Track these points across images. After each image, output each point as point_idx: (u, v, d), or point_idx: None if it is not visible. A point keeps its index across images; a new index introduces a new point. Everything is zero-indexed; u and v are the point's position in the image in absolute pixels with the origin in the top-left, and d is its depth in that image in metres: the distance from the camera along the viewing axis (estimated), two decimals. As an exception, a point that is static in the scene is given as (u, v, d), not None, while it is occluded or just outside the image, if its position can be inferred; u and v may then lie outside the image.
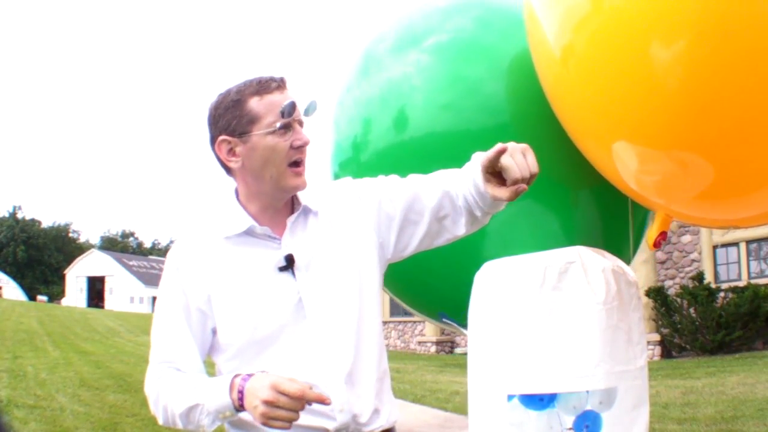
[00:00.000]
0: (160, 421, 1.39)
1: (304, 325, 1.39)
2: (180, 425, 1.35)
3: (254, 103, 1.39)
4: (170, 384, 1.37)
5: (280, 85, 1.42)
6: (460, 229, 1.54)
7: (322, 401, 1.21)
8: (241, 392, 1.25)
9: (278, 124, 1.38)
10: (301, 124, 1.43)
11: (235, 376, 1.28)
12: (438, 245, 1.59)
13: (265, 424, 1.20)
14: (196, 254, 1.44)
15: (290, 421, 1.20)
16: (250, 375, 1.26)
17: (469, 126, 2.44)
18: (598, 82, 2.04)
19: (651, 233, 2.54)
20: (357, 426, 1.40)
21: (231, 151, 1.42)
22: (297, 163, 1.42)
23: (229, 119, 1.40)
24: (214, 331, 1.43)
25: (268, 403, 1.19)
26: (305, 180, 1.44)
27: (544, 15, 2.15)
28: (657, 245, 2.52)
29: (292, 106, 1.38)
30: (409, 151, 2.51)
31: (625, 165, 2.21)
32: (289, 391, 1.18)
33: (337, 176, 2.74)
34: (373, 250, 1.52)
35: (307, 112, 1.44)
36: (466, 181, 1.50)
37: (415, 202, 1.53)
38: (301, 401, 1.19)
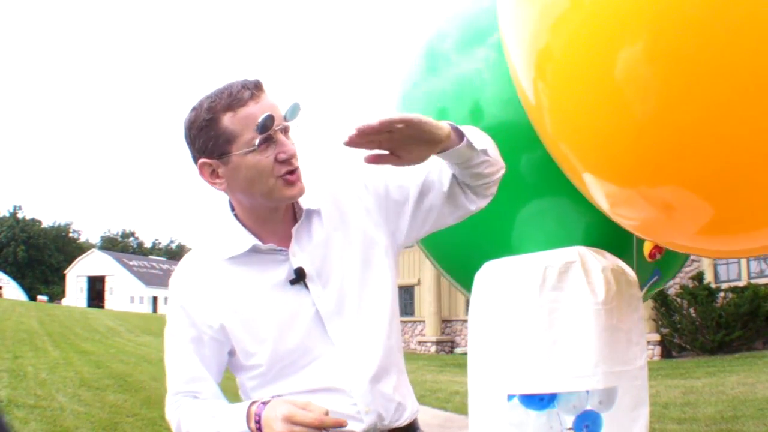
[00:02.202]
0: None
1: (325, 337, 1.37)
2: None
3: (228, 121, 1.26)
4: (190, 412, 1.35)
5: (254, 93, 1.27)
6: (471, 204, 1.49)
7: (340, 425, 1.17)
8: (258, 422, 1.22)
9: (256, 142, 1.25)
10: (286, 130, 1.31)
11: (252, 403, 1.26)
12: (449, 224, 1.53)
13: None
14: (200, 282, 1.39)
15: None
16: (265, 403, 1.23)
17: None
18: (562, 101, 1.89)
19: (647, 245, 2.54)
20: (384, 424, 1.39)
21: (214, 174, 1.32)
22: (288, 173, 1.30)
23: (205, 141, 1.29)
24: (231, 352, 1.40)
25: None
26: (302, 186, 1.33)
27: (513, 26, 2.06)
28: (652, 257, 2.52)
29: (269, 119, 1.25)
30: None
31: (600, 204, 2.06)
32: (304, 422, 1.15)
33: None
34: (384, 240, 1.47)
35: (289, 117, 1.31)
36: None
37: (426, 185, 1.48)
38: (318, 430, 1.16)
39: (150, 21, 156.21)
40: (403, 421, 1.43)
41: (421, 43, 2.98)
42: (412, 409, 1.46)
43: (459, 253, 2.83)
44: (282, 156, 1.28)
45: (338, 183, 1.50)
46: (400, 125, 1.22)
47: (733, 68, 1.49)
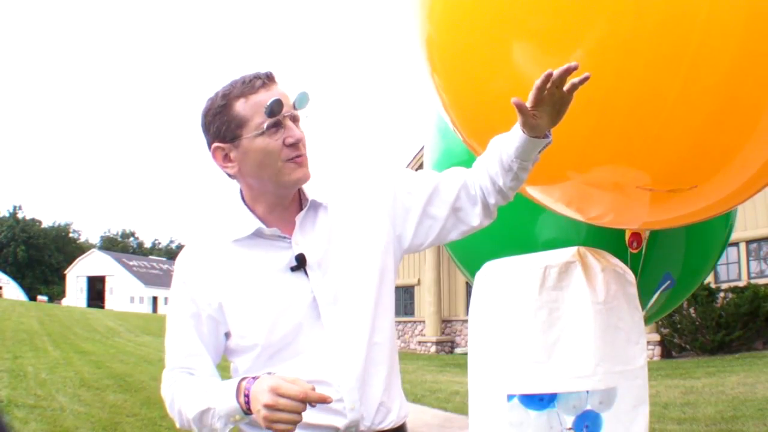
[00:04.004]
0: (177, 425, 1.39)
1: (319, 325, 1.39)
2: (195, 429, 1.35)
3: (240, 106, 1.35)
4: (183, 388, 1.38)
5: (265, 82, 1.36)
6: (474, 219, 1.53)
7: (324, 401, 1.20)
8: (247, 396, 1.24)
9: (265, 125, 1.34)
10: (295, 118, 1.38)
11: (242, 379, 1.28)
12: (452, 239, 1.57)
13: (268, 427, 1.19)
14: (204, 261, 1.43)
15: (293, 423, 1.18)
16: (255, 378, 1.25)
17: None
18: (456, 90, 1.86)
19: (626, 235, 2.55)
20: (368, 423, 1.40)
21: (226, 157, 1.40)
22: (295, 158, 1.37)
23: (219, 125, 1.37)
24: (227, 335, 1.43)
25: (269, 407, 1.17)
26: (307, 171, 1.39)
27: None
28: (630, 245, 2.53)
29: (277, 104, 1.33)
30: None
31: (567, 215, 2.08)
32: (289, 394, 1.17)
33: None
34: (388, 242, 1.50)
35: (298, 105, 1.38)
36: (481, 167, 1.51)
37: (434, 195, 1.51)
38: (302, 403, 1.18)
39: (150, 21, 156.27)
40: (386, 425, 1.44)
41: None
42: (398, 414, 1.47)
43: (476, 248, 2.86)
44: (289, 140, 1.36)
45: (350, 181, 1.55)
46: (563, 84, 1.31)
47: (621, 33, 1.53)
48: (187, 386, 1.38)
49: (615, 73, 1.61)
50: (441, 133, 3.05)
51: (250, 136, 1.35)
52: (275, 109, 1.33)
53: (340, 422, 1.37)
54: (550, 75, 1.29)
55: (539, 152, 1.44)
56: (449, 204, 1.51)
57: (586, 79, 1.29)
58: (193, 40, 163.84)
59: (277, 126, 1.35)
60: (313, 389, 1.19)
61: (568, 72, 1.29)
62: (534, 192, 2.07)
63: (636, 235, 2.52)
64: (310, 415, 1.31)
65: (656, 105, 1.65)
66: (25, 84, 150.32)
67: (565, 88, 1.31)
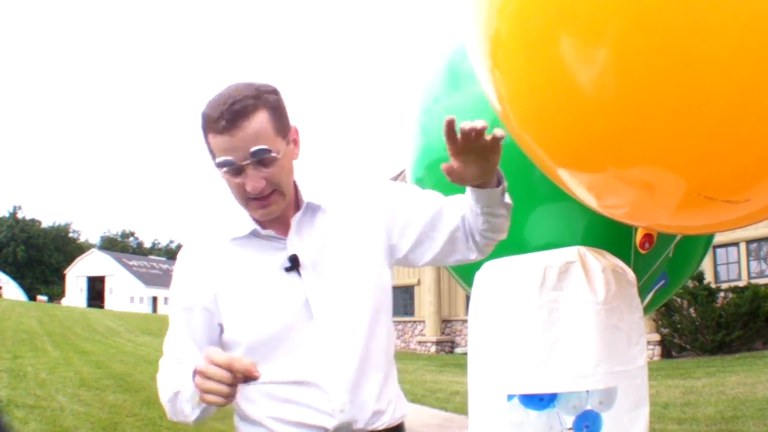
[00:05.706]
0: (168, 415, 1.41)
1: (311, 326, 1.40)
2: (172, 416, 1.35)
3: (210, 138, 1.32)
4: (166, 376, 1.39)
5: (226, 127, 1.28)
6: (469, 254, 1.53)
7: (250, 373, 1.14)
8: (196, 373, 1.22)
9: (224, 170, 1.32)
10: (264, 162, 1.31)
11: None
12: (449, 264, 1.57)
13: (202, 399, 1.17)
14: (202, 257, 1.45)
15: (222, 394, 1.15)
16: None
17: None
18: (517, 88, 1.85)
19: (638, 235, 2.54)
20: (358, 426, 1.41)
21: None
22: (253, 199, 1.35)
23: (204, 140, 1.37)
24: (221, 327, 1.45)
25: (200, 373, 1.16)
26: (274, 209, 1.37)
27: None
28: (642, 246, 2.53)
29: (222, 164, 1.30)
30: (506, 153, 2.58)
31: (583, 199, 2.05)
32: (217, 361, 1.14)
33: (420, 178, 2.90)
34: (384, 250, 1.51)
35: (253, 157, 1.29)
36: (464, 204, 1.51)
37: (436, 218, 1.51)
38: (228, 371, 1.14)
39: (150, 21, 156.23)
40: (380, 425, 1.44)
41: (443, 58, 2.97)
42: (393, 416, 1.47)
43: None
44: (248, 190, 1.32)
45: (352, 187, 1.55)
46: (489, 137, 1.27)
47: (685, 40, 1.48)
48: (170, 372, 1.38)
49: (676, 78, 1.55)
50: (422, 130, 3.00)
51: (218, 168, 1.34)
52: (226, 165, 1.31)
53: (330, 423, 1.38)
54: (451, 122, 1.24)
55: (503, 198, 1.42)
56: (448, 232, 1.51)
57: (499, 138, 1.26)
58: (193, 40, 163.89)
59: (237, 171, 1.32)
60: (253, 364, 1.14)
61: (475, 131, 1.23)
62: (562, 172, 2.06)
63: (648, 236, 2.51)
64: (299, 414, 1.33)
65: (722, 114, 1.57)
66: (25, 84, 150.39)
67: (489, 137, 1.26)
